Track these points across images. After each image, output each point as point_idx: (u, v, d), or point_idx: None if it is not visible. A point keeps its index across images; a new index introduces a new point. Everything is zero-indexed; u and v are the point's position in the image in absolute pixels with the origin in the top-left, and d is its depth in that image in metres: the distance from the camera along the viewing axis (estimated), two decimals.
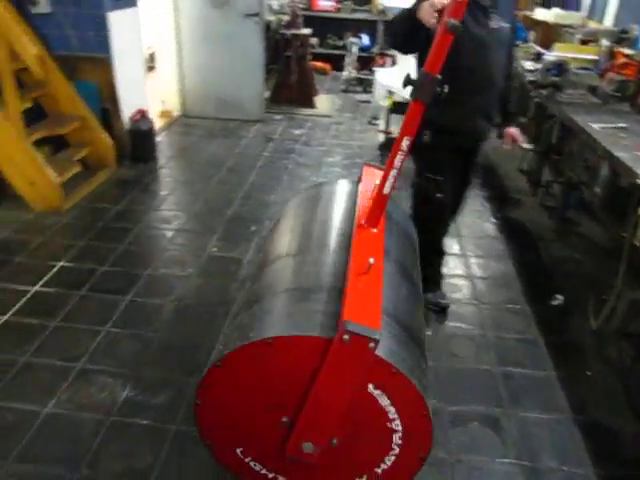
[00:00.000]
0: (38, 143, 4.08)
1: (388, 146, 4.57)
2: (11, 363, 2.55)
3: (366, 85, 7.60)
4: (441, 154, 2.75)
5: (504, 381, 2.62)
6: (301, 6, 7.90)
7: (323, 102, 7.06)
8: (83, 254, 3.48)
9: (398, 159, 1.81)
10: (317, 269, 1.80)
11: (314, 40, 8.01)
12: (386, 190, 1.84)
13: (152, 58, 5.63)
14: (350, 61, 7.83)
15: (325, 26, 8.48)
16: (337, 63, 8.36)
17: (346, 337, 1.42)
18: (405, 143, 1.78)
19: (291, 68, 6.73)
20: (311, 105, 6.84)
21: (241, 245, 3.66)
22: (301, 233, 2.13)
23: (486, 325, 3.01)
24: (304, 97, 6.84)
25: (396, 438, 1.64)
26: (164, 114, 6.03)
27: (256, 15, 5.83)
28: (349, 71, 7.84)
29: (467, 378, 2.64)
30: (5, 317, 2.85)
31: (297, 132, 6.03)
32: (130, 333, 2.78)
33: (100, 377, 2.50)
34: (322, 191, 2.46)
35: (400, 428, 1.62)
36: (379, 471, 1.71)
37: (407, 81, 1.72)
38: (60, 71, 4.30)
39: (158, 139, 5.36)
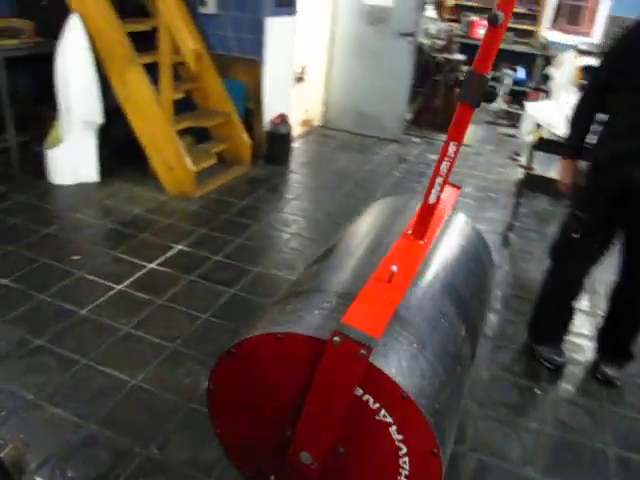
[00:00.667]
0: (182, 132, 4.33)
1: (527, 183, 4.25)
2: (114, 330, 2.67)
3: (514, 119, 7.23)
4: (593, 192, 2.49)
5: (618, 466, 2.26)
6: (460, 33, 7.73)
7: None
8: (201, 241, 3.60)
9: (444, 166, 1.69)
10: (355, 275, 1.72)
11: (466, 68, 7.78)
12: (431, 200, 1.72)
13: (303, 70, 5.78)
14: (501, 93, 7.51)
15: None
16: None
17: (336, 339, 1.34)
18: (452, 149, 1.67)
19: (437, 92, 6.58)
20: None
21: None
22: (362, 236, 2.09)
23: (606, 397, 2.64)
24: (446, 123, 6.62)
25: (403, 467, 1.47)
26: (305, 123, 6.16)
27: (410, 35, 5.78)
28: (498, 103, 7.52)
29: (573, 452, 2.31)
30: (119, 287, 3.01)
31: (433, 157, 5.85)
32: (226, 325, 2.80)
33: (189, 362, 2.52)
34: (407, 202, 2.32)
35: (407, 461, 1.45)
36: None
37: (456, 82, 1.54)
38: (214, 68, 4.53)
39: (294, 145, 5.47)
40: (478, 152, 6.18)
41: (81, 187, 4.23)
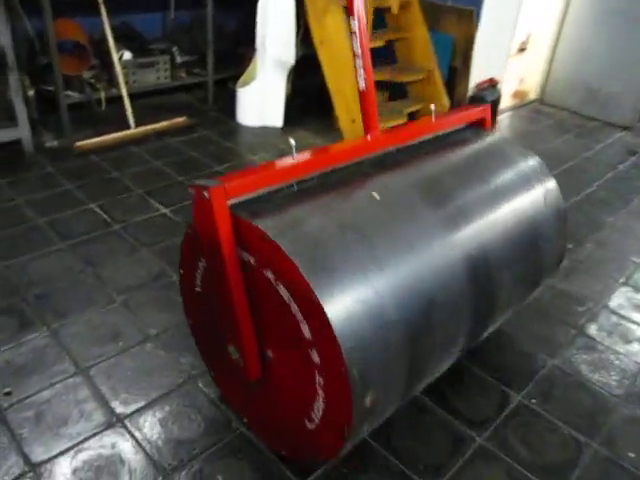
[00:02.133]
0: (376, 85, 3.94)
1: None
2: None
3: None
4: None
5: None
6: None
7: None
8: None
9: (355, 46, 1.71)
10: None
11: None
12: (360, 86, 1.73)
13: (527, 39, 4.99)
14: None
15: None
16: None
17: (191, 191, 1.42)
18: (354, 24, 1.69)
19: None
20: None
21: None
22: None
23: None
24: None
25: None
26: (517, 94, 5.37)
27: None
28: None
29: None
30: None
31: None
32: None
33: None
34: None
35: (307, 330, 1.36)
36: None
37: None
38: (423, 18, 4.04)
39: (500, 117, 4.78)
40: None
41: (264, 130, 4.12)
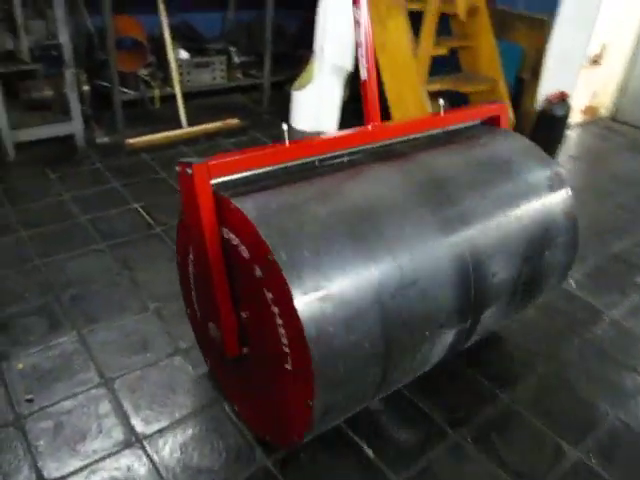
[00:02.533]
0: (437, 94, 3.76)
1: None
2: None
3: None
4: None
5: None
6: None
7: None
8: None
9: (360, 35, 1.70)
10: None
11: None
12: (362, 76, 1.73)
13: (601, 51, 4.67)
14: None
15: None
16: None
17: (177, 168, 1.44)
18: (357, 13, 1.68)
19: None
20: None
21: (612, 293, 2.65)
22: None
23: None
24: None
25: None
26: (588, 110, 5.05)
27: None
28: None
29: None
30: None
31: None
32: None
33: None
34: None
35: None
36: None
37: None
38: (491, 26, 3.82)
39: (569, 132, 4.49)
40: None
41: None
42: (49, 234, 2.68)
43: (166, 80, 3.92)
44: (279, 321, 1.34)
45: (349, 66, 3.76)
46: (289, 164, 1.58)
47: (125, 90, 3.76)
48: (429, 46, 3.42)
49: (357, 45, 1.71)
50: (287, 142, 1.53)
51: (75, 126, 3.37)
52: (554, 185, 1.86)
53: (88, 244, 2.62)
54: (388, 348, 1.41)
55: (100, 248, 2.60)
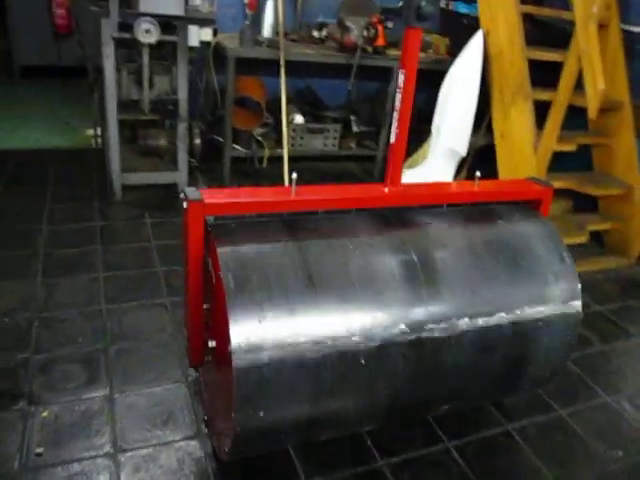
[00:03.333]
0: (562, 193, 3.41)
1: None
2: None
3: None
4: None
5: None
6: None
7: None
8: None
9: (397, 99, 1.69)
10: None
11: None
12: (392, 139, 1.73)
13: None
14: None
15: None
16: None
17: (181, 196, 1.57)
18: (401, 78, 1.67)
19: None
20: None
21: None
22: None
23: None
24: None
25: None
26: None
27: None
28: None
29: None
30: None
31: None
32: None
33: None
34: None
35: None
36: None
37: None
38: (633, 124, 3.41)
39: None
40: None
41: None
42: (123, 279, 2.73)
43: (278, 141, 3.97)
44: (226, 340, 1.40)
45: (463, 152, 3.54)
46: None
47: (236, 147, 3.84)
48: (552, 141, 3.11)
49: (393, 110, 1.73)
50: (293, 191, 1.62)
51: (180, 176, 3.48)
52: (564, 286, 1.77)
53: (154, 297, 2.62)
54: (313, 395, 1.49)
55: (163, 303, 2.58)
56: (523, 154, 3.23)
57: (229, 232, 1.54)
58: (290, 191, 1.62)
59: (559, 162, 3.33)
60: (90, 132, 4.33)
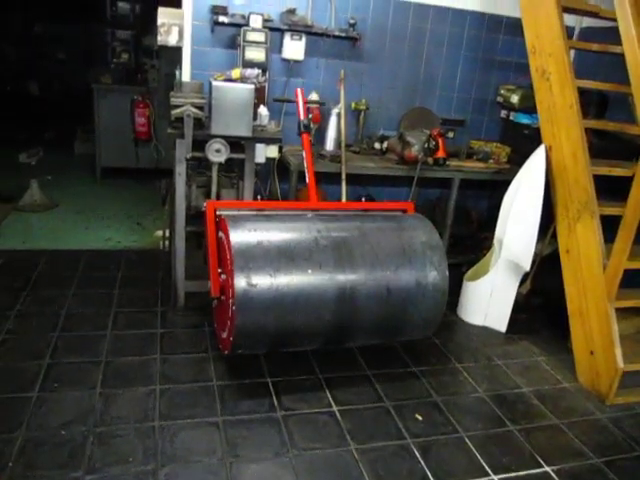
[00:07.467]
0: (629, 313, 3.22)
1: None
2: None
3: None
4: None
5: None
6: None
7: None
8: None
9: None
10: None
11: None
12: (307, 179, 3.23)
13: None
14: None
15: None
16: None
17: (204, 204, 3.00)
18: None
19: None
20: None
21: None
22: None
23: None
24: None
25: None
26: None
27: None
28: None
29: None
30: None
31: None
32: None
33: None
34: None
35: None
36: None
37: None
38: None
39: None
40: None
41: (483, 332, 3.66)
42: (179, 393, 2.72)
43: None
44: (230, 282, 2.58)
45: (527, 266, 3.44)
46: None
47: None
48: (622, 260, 2.96)
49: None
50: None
51: None
52: (429, 252, 2.89)
53: (207, 414, 2.59)
54: (279, 316, 2.61)
55: (216, 422, 2.55)
56: (591, 273, 3.09)
57: (232, 218, 2.75)
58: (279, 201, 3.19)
59: (633, 276, 3.16)
60: (159, 233, 4.52)
